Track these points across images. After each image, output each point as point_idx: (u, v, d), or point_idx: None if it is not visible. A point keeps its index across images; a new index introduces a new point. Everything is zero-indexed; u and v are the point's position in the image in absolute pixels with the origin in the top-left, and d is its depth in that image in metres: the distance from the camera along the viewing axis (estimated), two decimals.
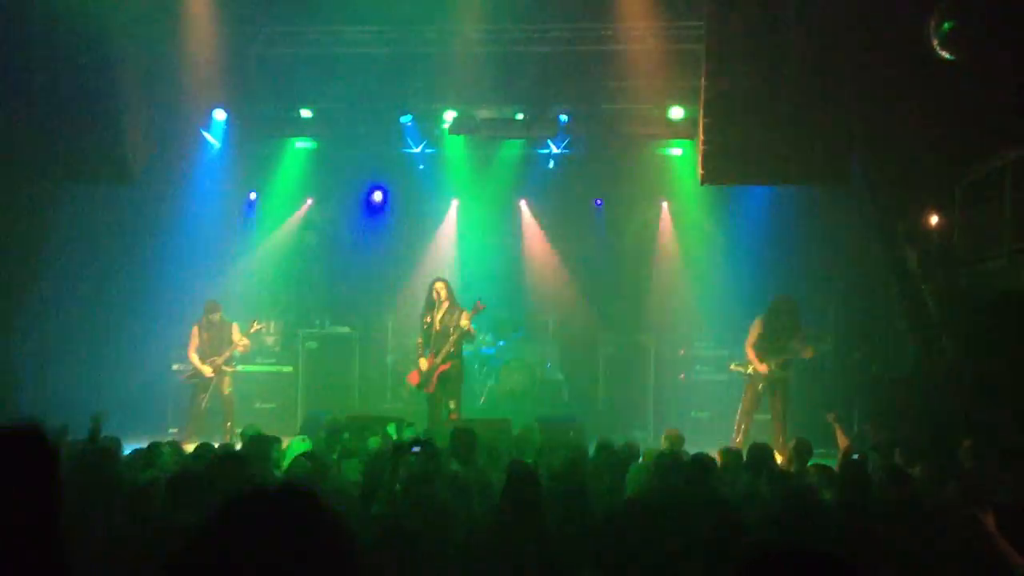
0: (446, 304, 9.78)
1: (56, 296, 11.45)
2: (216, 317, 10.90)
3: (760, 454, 6.49)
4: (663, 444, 7.51)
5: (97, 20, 9.49)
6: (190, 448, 8.31)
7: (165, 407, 11.54)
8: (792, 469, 6.62)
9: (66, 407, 9.63)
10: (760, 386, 9.96)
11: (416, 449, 4.93)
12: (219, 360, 10.82)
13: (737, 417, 10.15)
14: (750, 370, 10.02)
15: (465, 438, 6.35)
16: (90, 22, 9.45)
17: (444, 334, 9.70)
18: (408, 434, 7.77)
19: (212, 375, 10.80)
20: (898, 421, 9.49)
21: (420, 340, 9.97)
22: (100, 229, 11.70)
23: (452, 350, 9.69)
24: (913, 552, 4.21)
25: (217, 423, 10.71)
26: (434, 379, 9.70)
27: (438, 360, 9.67)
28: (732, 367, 10.52)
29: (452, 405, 9.67)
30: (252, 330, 11.14)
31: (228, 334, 10.95)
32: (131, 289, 11.90)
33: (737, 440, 9.59)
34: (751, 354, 10.00)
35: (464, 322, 9.61)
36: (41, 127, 9.53)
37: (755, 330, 10.05)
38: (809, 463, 6.58)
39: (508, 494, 4.23)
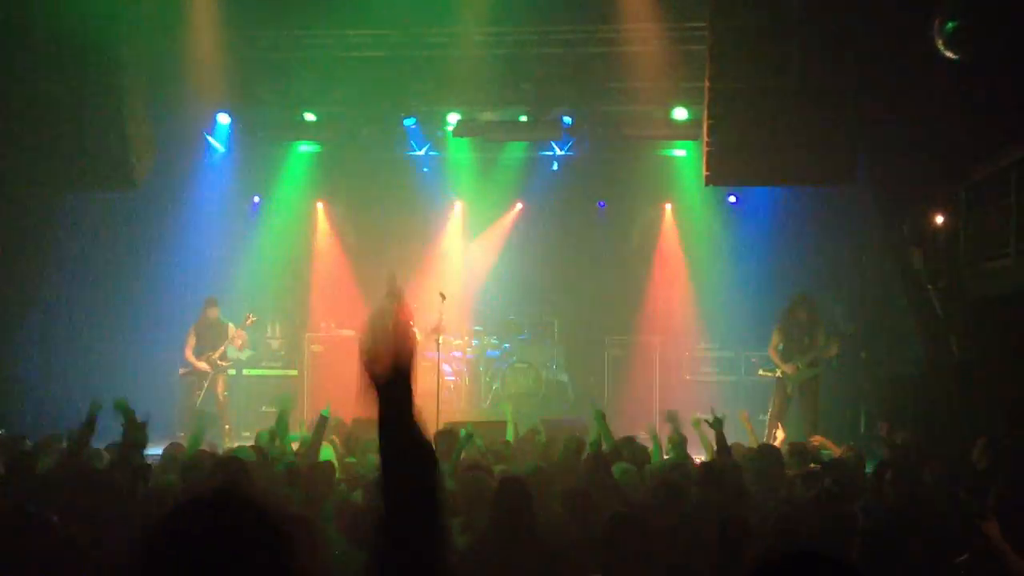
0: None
1: (61, 303, 11.45)
2: (213, 315, 11.00)
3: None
4: (666, 447, 7.49)
5: (100, 25, 9.48)
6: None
7: (172, 411, 11.51)
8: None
9: (72, 414, 9.64)
10: (789, 388, 9.92)
11: None
12: (214, 355, 10.91)
13: (768, 421, 10.06)
14: (779, 373, 10.00)
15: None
16: (93, 27, 9.44)
17: None
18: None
19: (208, 370, 10.89)
20: (905, 421, 9.45)
21: None
22: (104, 235, 11.69)
23: None
24: (922, 556, 4.18)
25: (215, 426, 10.69)
26: None
27: None
28: (760, 373, 10.50)
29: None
30: (247, 323, 11.19)
31: (223, 332, 11.05)
32: (136, 294, 11.89)
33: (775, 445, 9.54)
34: (775, 357, 9.99)
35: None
36: (45, 133, 9.51)
37: (777, 333, 10.06)
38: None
39: (498, 510, 4.14)
